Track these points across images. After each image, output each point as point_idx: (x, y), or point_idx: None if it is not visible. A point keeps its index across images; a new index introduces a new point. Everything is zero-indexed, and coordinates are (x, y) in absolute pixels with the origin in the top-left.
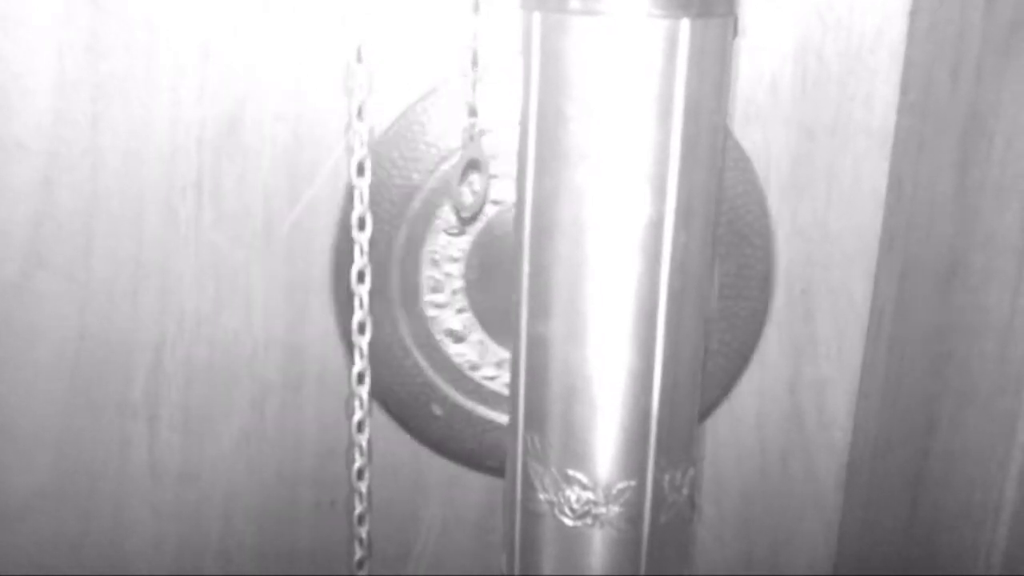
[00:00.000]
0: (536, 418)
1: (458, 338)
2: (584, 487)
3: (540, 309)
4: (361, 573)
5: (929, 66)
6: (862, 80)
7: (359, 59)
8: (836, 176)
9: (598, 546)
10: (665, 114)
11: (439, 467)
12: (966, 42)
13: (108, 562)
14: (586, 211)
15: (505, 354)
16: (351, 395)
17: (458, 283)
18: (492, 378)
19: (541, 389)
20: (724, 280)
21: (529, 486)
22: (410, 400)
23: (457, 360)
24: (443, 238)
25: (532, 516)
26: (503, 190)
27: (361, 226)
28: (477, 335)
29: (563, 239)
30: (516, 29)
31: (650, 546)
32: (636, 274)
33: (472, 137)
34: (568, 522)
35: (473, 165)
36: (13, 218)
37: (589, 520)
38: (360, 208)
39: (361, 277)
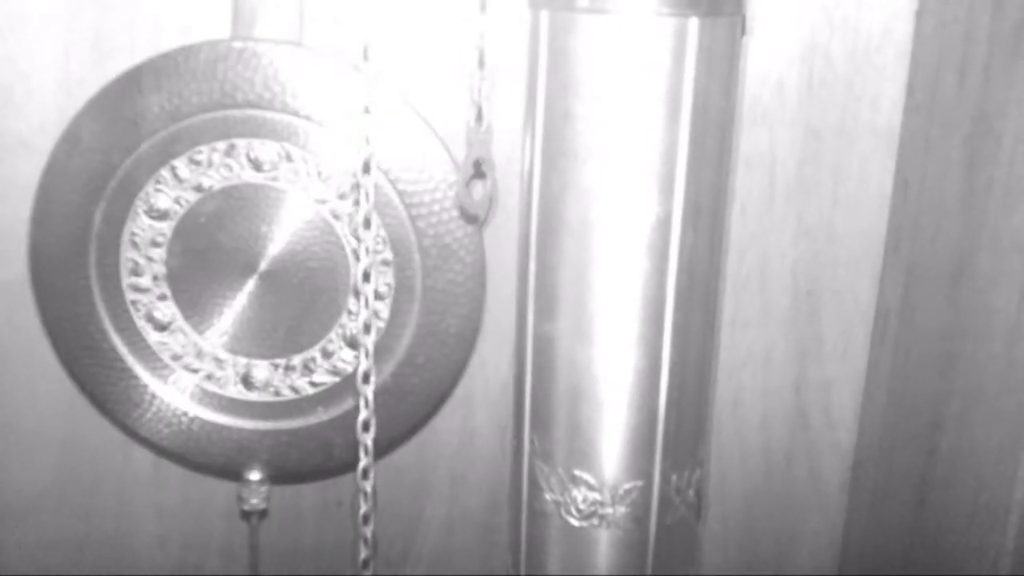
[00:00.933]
0: (542, 418)
1: (160, 326)
2: (591, 487)
3: (546, 308)
4: (366, 573)
5: (936, 66)
6: (869, 80)
7: (365, 56)
8: (842, 176)
9: (604, 546)
10: (673, 113)
11: (443, 466)
12: (973, 42)
13: (111, 561)
14: (593, 210)
15: (207, 345)
16: (356, 394)
17: (160, 269)
18: (195, 370)
19: (547, 388)
20: (429, 294)
21: (535, 486)
22: (109, 384)
23: (157, 348)
24: (145, 220)
25: (538, 516)
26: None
27: (367, 225)
28: (179, 324)
29: (570, 238)
30: (524, 28)
31: (656, 546)
32: (643, 273)
33: (478, 137)
34: (574, 522)
35: (479, 164)
36: (18, 216)
37: (595, 520)
38: (366, 207)
39: (367, 276)
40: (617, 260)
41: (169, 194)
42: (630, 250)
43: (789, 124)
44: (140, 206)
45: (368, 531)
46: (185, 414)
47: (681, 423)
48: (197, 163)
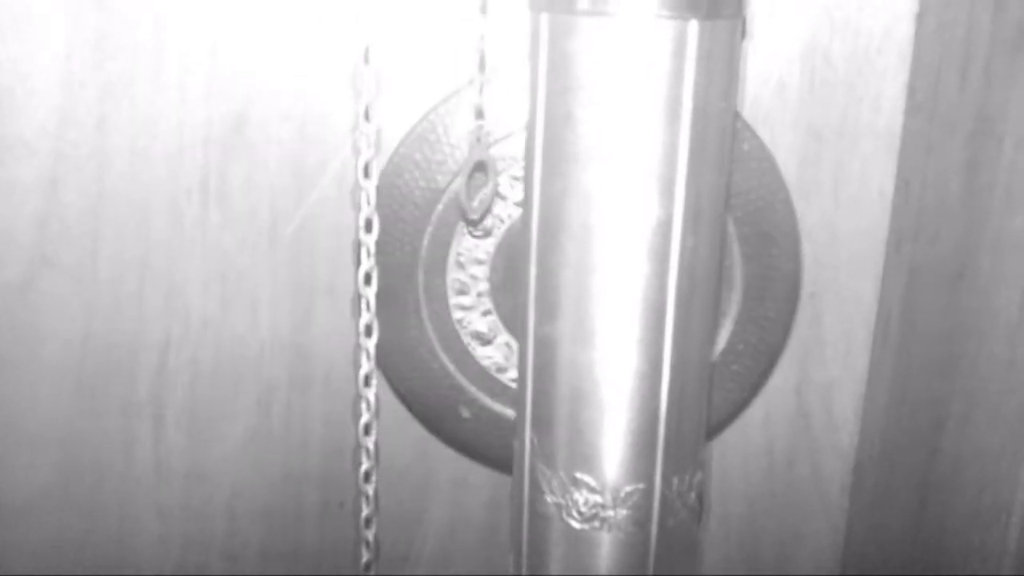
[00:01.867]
0: (544, 420)
1: (485, 341)
2: (592, 490)
3: (548, 311)
4: (368, 575)
5: (937, 67)
6: (870, 81)
7: (366, 60)
8: (844, 178)
9: (606, 549)
10: (673, 116)
11: (446, 468)
12: (974, 43)
13: (113, 562)
14: (594, 213)
15: None
16: (358, 398)
17: (483, 286)
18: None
19: (549, 391)
20: (749, 281)
21: (537, 488)
22: (437, 402)
23: (484, 363)
24: (469, 240)
25: (540, 519)
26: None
27: (368, 228)
28: (503, 337)
29: (571, 241)
30: (525, 31)
31: (658, 549)
32: (644, 276)
33: (479, 139)
34: (576, 525)
35: (480, 167)
36: (19, 218)
37: (597, 523)
38: (367, 210)
39: (368, 279)
40: (618, 263)
41: (492, 212)
42: (631, 253)
43: (790, 125)
44: (464, 227)
45: (370, 534)
46: (509, 423)
47: (682, 426)
48: (517, 179)
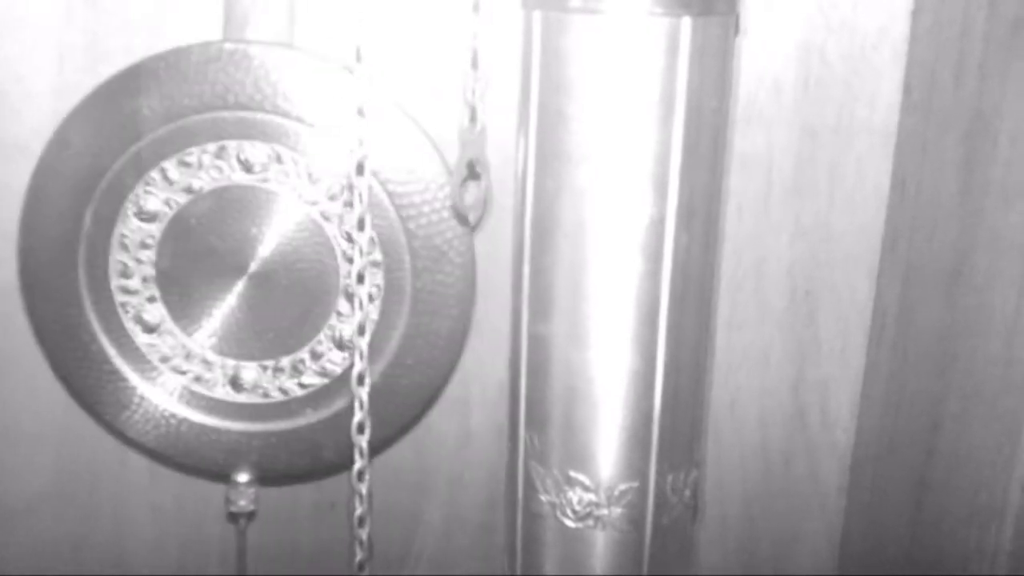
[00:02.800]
0: (537, 419)
1: (148, 328)
2: (586, 488)
3: (541, 310)
4: (362, 575)
5: (932, 65)
6: (865, 80)
7: (358, 58)
8: (839, 176)
9: (600, 548)
10: (666, 113)
11: (441, 468)
12: (969, 41)
13: (109, 562)
14: (587, 211)
15: (195, 347)
16: (351, 396)
17: (149, 271)
18: (183, 372)
19: (542, 390)
20: (419, 296)
21: (531, 487)
22: (97, 386)
23: (146, 350)
24: (134, 222)
25: (534, 517)
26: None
27: (361, 226)
28: (168, 326)
29: (564, 240)
30: (517, 28)
31: (652, 548)
32: (638, 275)
33: (471, 138)
34: (570, 523)
35: (472, 166)
36: (13, 220)
37: (591, 522)
38: (360, 208)
39: (361, 278)
40: (611, 261)
41: (159, 196)
42: (624, 251)
43: (785, 124)
44: (130, 208)
45: (364, 533)
46: (173, 416)
47: (676, 424)
48: (187, 165)
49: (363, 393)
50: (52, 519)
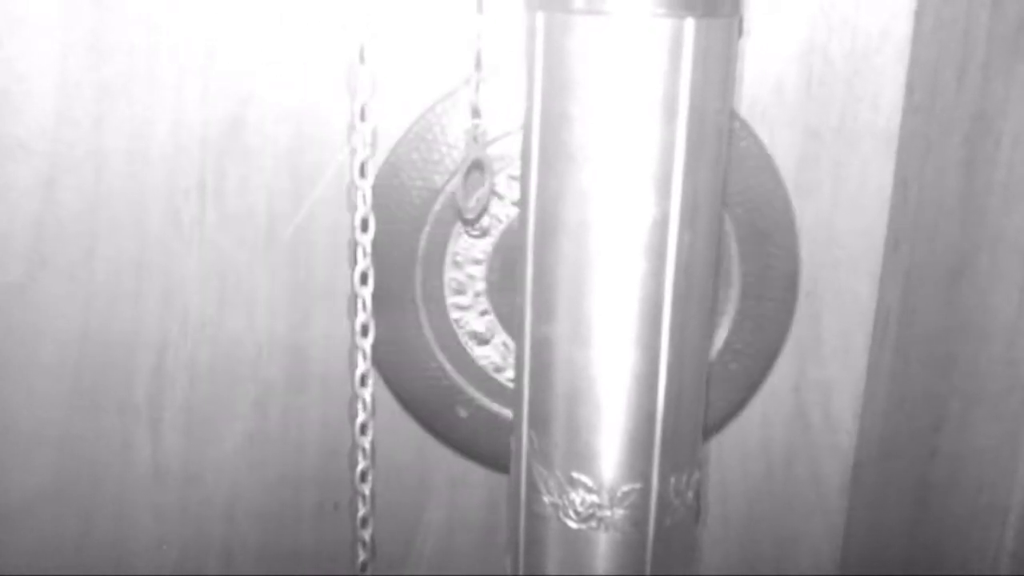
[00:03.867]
0: (540, 420)
1: (482, 340)
2: (588, 490)
3: (544, 310)
4: (364, 575)
5: (935, 66)
6: (868, 80)
7: (362, 59)
8: (842, 177)
9: (603, 549)
10: (670, 114)
11: (443, 468)
12: (972, 41)
13: (110, 563)
14: (591, 212)
15: None
16: (354, 397)
17: (481, 285)
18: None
19: (545, 391)
20: (747, 280)
21: (533, 488)
22: (435, 403)
23: (482, 362)
24: (466, 240)
25: (536, 518)
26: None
27: (364, 228)
28: (500, 337)
29: (567, 240)
30: (520, 29)
31: (655, 549)
32: (641, 275)
33: (475, 138)
34: (572, 525)
35: (476, 166)
36: (16, 219)
37: (594, 523)
38: (363, 209)
39: (364, 279)
40: (615, 261)
41: (489, 211)
42: (627, 251)
43: (788, 124)
44: (462, 226)
45: (367, 534)
46: (509, 424)
47: (679, 425)
48: (515, 179)
49: (366, 394)
50: (53, 519)
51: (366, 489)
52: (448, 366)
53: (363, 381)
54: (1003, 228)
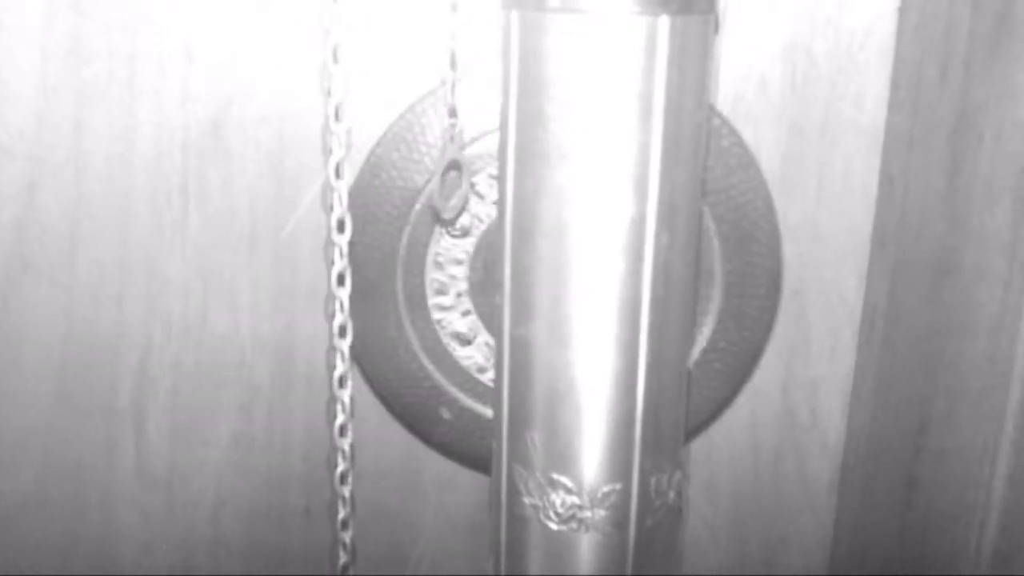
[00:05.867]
0: (520, 421)
1: (464, 341)
2: (569, 491)
3: (522, 311)
4: None
5: (918, 63)
6: (852, 78)
7: (336, 60)
8: (827, 175)
9: (584, 550)
10: (646, 113)
11: (432, 470)
12: (954, 37)
13: (97, 565)
14: (567, 211)
15: None
16: (332, 399)
17: (463, 286)
18: None
19: (524, 392)
20: (730, 279)
21: (514, 490)
22: (417, 403)
23: (464, 363)
24: (447, 240)
25: (517, 520)
26: None
27: (340, 229)
28: (483, 337)
29: (545, 240)
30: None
31: (637, 550)
32: (619, 275)
33: (452, 138)
34: (553, 526)
35: (453, 166)
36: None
37: (574, 524)
38: (339, 210)
39: (341, 280)
40: (592, 261)
41: (469, 211)
42: (605, 251)
43: (773, 122)
44: (443, 227)
45: (347, 536)
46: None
47: (660, 425)
48: (496, 178)
49: (345, 396)
50: (39, 522)
51: (346, 491)
52: (430, 367)
53: (342, 383)
54: (987, 225)
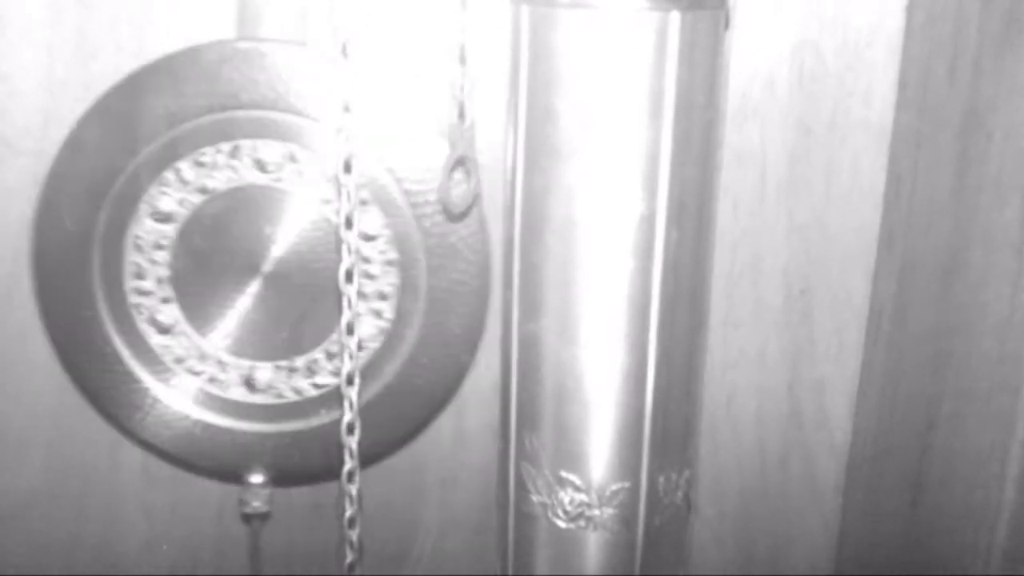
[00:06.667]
0: (528, 419)
1: (163, 329)
2: (577, 489)
3: (531, 307)
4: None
5: (927, 61)
6: (860, 76)
7: (345, 53)
8: (834, 173)
9: (592, 549)
10: (656, 109)
11: (435, 469)
12: (963, 36)
13: (101, 563)
14: (577, 208)
15: (210, 348)
16: (341, 398)
17: (164, 272)
18: (198, 373)
19: (533, 389)
20: (434, 295)
21: (522, 488)
22: (112, 388)
23: (160, 351)
24: (148, 223)
25: (525, 518)
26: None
27: (348, 225)
28: (183, 327)
29: (554, 237)
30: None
31: (645, 548)
32: (628, 271)
33: (461, 134)
34: (561, 524)
35: (461, 163)
36: (3, 219)
37: (583, 522)
38: (347, 206)
39: (349, 277)
40: (601, 258)
41: (173, 196)
42: (614, 248)
43: (780, 120)
44: (144, 209)
45: (354, 535)
46: (187, 417)
47: (668, 423)
48: (202, 165)
49: (352, 393)
50: (43, 520)
51: (354, 490)
52: (125, 352)
53: (349, 380)
54: (995, 223)
